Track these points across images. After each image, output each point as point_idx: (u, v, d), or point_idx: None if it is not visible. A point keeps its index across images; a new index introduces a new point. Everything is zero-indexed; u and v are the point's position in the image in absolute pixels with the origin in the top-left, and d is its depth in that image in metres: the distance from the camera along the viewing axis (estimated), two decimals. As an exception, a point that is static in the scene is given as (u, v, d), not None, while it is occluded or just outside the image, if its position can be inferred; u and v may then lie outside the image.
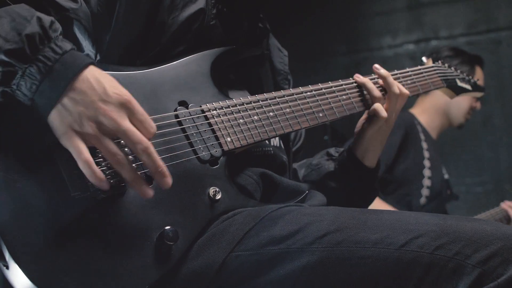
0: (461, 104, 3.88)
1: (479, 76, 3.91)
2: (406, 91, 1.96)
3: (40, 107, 1.28)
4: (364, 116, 1.98)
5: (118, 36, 1.60)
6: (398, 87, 1.93)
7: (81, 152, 1.27)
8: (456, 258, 1.25)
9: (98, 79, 1.31)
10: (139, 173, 1.35)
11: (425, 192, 3.80)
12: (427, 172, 3.83)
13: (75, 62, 1.30)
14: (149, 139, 1.32)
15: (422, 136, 3.87)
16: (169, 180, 1.35)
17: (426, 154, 3.85)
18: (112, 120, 1.28)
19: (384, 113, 1.90)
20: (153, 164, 1.32)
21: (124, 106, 1.31)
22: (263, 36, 1.96)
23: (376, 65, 1.97)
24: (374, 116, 1.92)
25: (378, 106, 1.90)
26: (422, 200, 3.78)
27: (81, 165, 1.27)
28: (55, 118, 1.28)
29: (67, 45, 1.31)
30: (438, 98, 3.89)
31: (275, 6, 5.01)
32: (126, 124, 1.30)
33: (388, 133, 1.98)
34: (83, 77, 1.30)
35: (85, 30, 1.57)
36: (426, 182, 3.81)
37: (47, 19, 1.32)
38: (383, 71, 1.95)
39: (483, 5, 5.35)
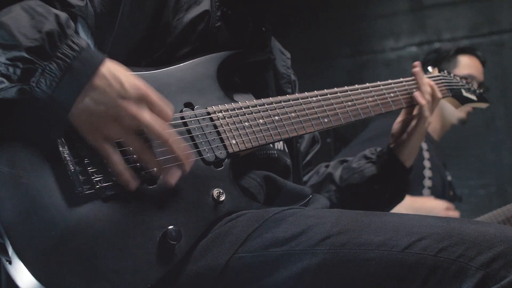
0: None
1: (466, 64, 3.90)
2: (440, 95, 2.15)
3: (60, 103, 1.31)
4: (400, 118, 2.12)
5: (123, 37, 1.61)
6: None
7: (109, 154, 1.35)
8: (459, 261, 1.25)
9: (115, 75, 1.36)
10: (143, 172, 1.40)
11: (426, 192, 3.79)
12: (427, 173, 3.82)
13: (93, 60, 1.34)
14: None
15: (423, 146, 3.86)
16: (191, 161, 1.45)
17: (426, 154, 3.84)
18: (133, 116, 1.35)
19: (428, 114, 2.06)
20: (178, 151, 1.42)
21: (142, 99, 1.37)
22: (267, 39, 1.96)
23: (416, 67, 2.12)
24: (420, 119, 2.05)
25: (425, 107, 2.05)
26: None
27: (112, 167, 1.35)
28: (78, 118, 1.34)
29: (83, 42, 1.35)
30: None
31: (279, 8, 5.02)
32: (147, 118, 1.37)
33: (425, 133, 2.11)
34: (100, 74, 1.34)
35: (88, 29, 1.59)
36: (427, 182, 3.80)
37: (63, 16, 1.36)
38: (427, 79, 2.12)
39: (486, 7, 5.35)
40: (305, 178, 2.19)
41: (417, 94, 2.05)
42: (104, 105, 1.33)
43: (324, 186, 2.17)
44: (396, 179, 2.12)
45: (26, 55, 1.27)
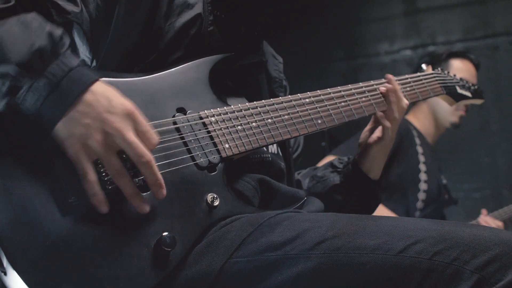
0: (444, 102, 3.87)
1: (458, 68, 3.90)
2: (406, 102, 2.01)
3: (45, 120, 1.31)
4: (369, 127, 2.02)
5: (116, 42, 1.61)
6: (404, 99, 1.99)
7: (87, 172, 1.32)
8: (454, 264, 1.25)
9: (103, 93, 1.35)
10: (136, 179, 1.38)
11: (421, 196, 3.80)
12: (423, 176, 3.83)
13: (81, 80, 1.34)
14: (151, 150, 1.36)
15: (417, 141, 3.87)
16: (164, 191, 1.39)
17: (422, 158, 3.85)
18: (118, 131, 1.32)
19: (388, 124, 1.95)
20: (152, 177, 1.36)
21: (129, 117, 1.35)
22: (260, 42, 1.96)
23: (390, 76, 2.00)
24: (382, 127, 1.96)
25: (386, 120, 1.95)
26: (419, 204, 3.78)
27: (86, 185, 1.32)
28: (61, 130, 1.32)
29: (74, 62, 1.34)
30: (428, 102, 3.90)
31: (272, 12, 5.02)
32: (131, 136, 1.34)
33: (391, 145, 2.01)
34: (89, 90, 1.33)
35: (84, 35, 1.59)
36: (423, 186, 3.81)
37: (57, 33, 1.35)
38: (395, 84, 1.98)
39: (480, 11, 5.36)
40: None
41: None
42: (90, 118, 1.32)
43: None
44: (359, 190, 2.04)
45: (14, 70, 1.27)
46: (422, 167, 3.84)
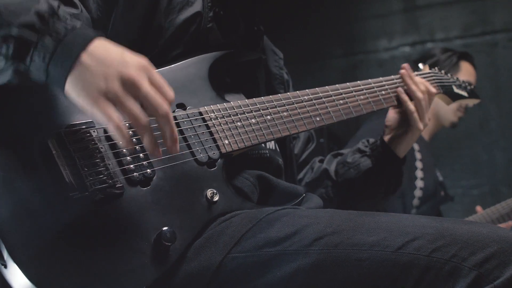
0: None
1: (466, 70, 3.91)
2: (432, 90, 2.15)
3: (55, 78, 1.27)
4: (395, 111, 2.12)
5: (115, 39, 1.59)
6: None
7: (111, 116, 1.25)
8: (452, 261, 1.25)
9: (113, 46, 1.31)
10: (136, 174, 1.39)
11: (418, 193, 3.80)
12: (419, 173, 3.83)
13: (86, 33, 1.30)
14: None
15: (415, 147, 3.87)
16: (177, 146, 1.35)
17: (418, 155, 3.85)
18: (134, 80, 1.27)
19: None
20: (169, 128, 1.32)
21: (144, 69, 1.30)
22: (259, 39, 1.96)
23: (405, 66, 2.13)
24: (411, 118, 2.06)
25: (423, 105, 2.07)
26: (415, 201, 3.78)
27: (112, 129, 1.26)
28: (75, 83, 1.26)
29: (77, 23, 1.31)
30: None
31: (271, 8, 5.02)
32: (148, 87, 1.29)
33: (420, 126, 2.10)
34: (97, 44, 1.29)
35: None
36: (419, 183, 3.81)
37: (55, 3, 1.31)
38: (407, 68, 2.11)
39: (479, 7, 5.36)
40: (300, 175, 2.19)
41: (405, 97, 2.07)
42: (104, 66, 1.26)
43: (320, 182, 2.17)
44: (391, 170, 2.14)
45: (16, 31, 1.25)
46: (419, 164, 3.84)
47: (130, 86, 1.27)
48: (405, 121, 2.08)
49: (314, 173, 2.20)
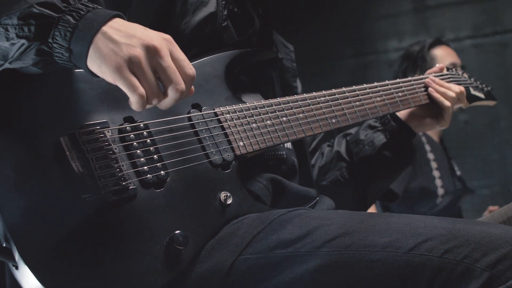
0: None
1: (443, 54, 3.88)
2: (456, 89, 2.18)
3: (77, 55, 1.26)
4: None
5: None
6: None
7: (136, 85, 1.24)
8: (465, 262, 1.25)
9: (134, 24, 1.30)
10: (150, 176, 1.39)
11: (440, 191, 3.78)
12: (436, 173, 3.81)
13: (107, 11, 1.29)
14: (185, 83, 1.30)
15: (427, 148, 3.85)
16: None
17: (431, 156, 3.84)
18: (157, 49, 1.26)
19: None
20: (174, 101, 1.31)
21: (166, 41, 1.30)
22: (271, 36, 1.96)
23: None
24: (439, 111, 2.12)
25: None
26: (439, 200, 3.76)
27: (135, 99, 1.25)
28: (98, 54, 1.25)
29: (95, 5, 1.31)
30: None
31: (282, 8, 5.02)
32: (170, 59, 1.28)
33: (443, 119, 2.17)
34: (118, 20, 1.29)
35: None
36: (438, 182, 3.79)
37: None
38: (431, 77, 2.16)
39: (489, 7, 5.34)
40: (312, 162, 2.17)
41: (437, 95, 2.11)
42: (125, 37, 1.25)
43: (333, 164, 2.16)
44: (405, 144, 2.15)
45: (37, 10, 1.25)
46: (433, 164, 3.82)
47: (153, 54, 1.26)
48: (433, 110, 2.13)
49: (325, 157, 2.19)
